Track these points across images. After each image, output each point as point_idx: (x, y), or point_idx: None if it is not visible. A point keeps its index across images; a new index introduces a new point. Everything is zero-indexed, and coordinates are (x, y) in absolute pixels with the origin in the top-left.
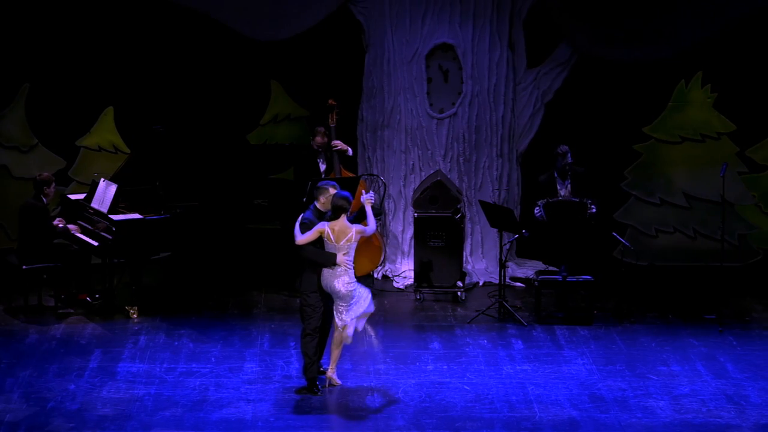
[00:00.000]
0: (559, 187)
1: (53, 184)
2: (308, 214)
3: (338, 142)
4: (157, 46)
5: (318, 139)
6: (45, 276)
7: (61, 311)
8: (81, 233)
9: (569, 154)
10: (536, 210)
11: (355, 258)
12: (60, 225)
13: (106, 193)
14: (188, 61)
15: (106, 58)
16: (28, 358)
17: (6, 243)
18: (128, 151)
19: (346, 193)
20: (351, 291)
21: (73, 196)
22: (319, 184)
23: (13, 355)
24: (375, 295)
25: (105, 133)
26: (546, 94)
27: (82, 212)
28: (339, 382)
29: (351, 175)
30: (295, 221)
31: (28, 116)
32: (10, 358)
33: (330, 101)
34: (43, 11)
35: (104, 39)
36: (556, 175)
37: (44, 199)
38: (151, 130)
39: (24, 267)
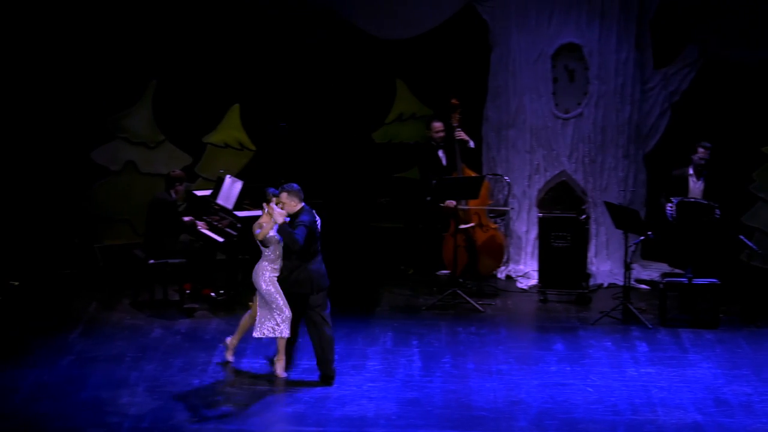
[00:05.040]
0: (692, 185)
1: (184, 183)
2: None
3: (460, 132)
4: (283, 44)
5: (434, 124)
6: (170, 271)
7: (185, 306)
8: (206, 229)
9: (708, 153)
10: (668, 207)
11: (479, 257)
12: (188, 221)
13: (231, 189)
14: (314, 59)
15: (233, 56)
16: (153, 352)
17: (133, 238)
18: (254, 148)
19: (271, 189)
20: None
21: (199, 193)
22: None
23: (138, 348)
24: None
25: (231, 130)
26: (673, 95)
27: (207, 208)
28: (282, 373)
29: (474, 174)
30: (419, 220)
31: (155, 113)
32: (135, 352)
33: (453, 100)
34: (172, 9)
35: (232, 37)
36: (690, 171)
37: (173, 195)
38: (276, 127)
39: (150, 261)
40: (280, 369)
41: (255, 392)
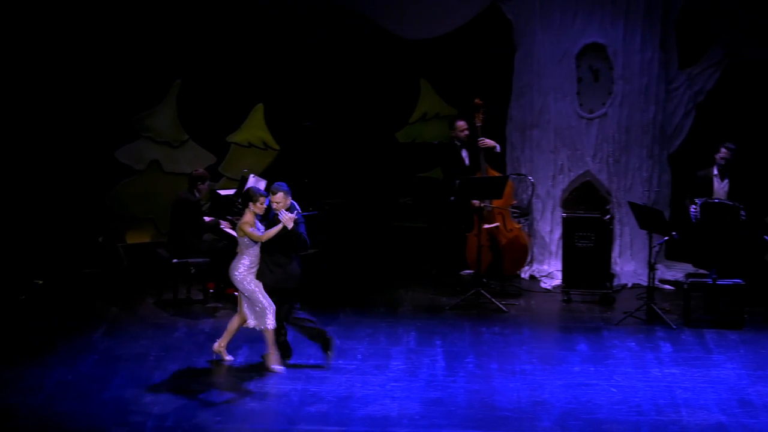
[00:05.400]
0: (716, 186)
1: (207, 181)
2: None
3: (486, 140)
4: (306, 43)
5: (458, 123)
6: (193, 270)
7: (209, 305)
8: (230, 228)
9: (731, 153)
10: (692, 208)
11: (503, 257)
12: (211, 221)
13: None
14: (338, 59)
15: (258, 55)
16: (177, 352)
17: (157, 237)
18: (277, 147)
19: (258, 189)
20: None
21: (222, 192)
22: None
23: (161, 348)
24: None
25: (255, 129)
26: (698, 95)
27: (231, 208)
28: (227, 358)
29: (497, 174)
30: (442, 220)
31: (179, 112)
32: (158, 351)
33: (476, 100)
34: (196, 8)
35: (256, 35)
36: (715, 172)
37: (197, 194)
38: (300, 126)
39: (174, 261)
40: (274, 363)
41: (279, 391)
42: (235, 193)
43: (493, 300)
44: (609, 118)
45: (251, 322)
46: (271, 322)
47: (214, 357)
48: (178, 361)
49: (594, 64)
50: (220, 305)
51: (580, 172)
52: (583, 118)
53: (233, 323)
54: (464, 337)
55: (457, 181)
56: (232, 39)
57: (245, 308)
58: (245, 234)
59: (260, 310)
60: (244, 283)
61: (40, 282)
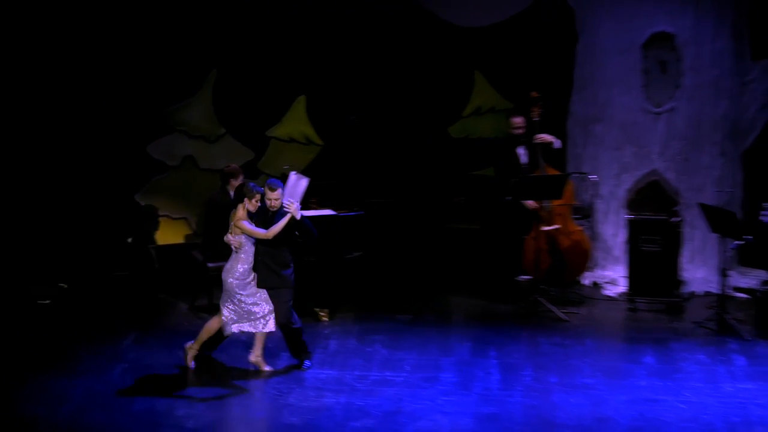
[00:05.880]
0: None
1: (241, 176)
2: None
3: (543, 135)
4: (352, 31)
5: (514, 120)
6: None
7: None
8: None
9: None
10: (763, 213)
11: (563, 262)
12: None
13: (296, 187)
14: (386, 48)
15: (300, 43)
16: (212, 361)
17: (191, 238)
18: (321, 142)
19: (251, 184)
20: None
21: (286, 200)
22: (249, 185)
23: (195, 356)
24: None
25: (297, 123)
26: None
27: None
28: (189, 363)
29: (557, 172)
30: (497, 221)
31: (215, 104)
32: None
33: (533, 93)
34: None
35: (298, 22)
36: None
37: (231, 193)
38: (345, 120)
39: (209, 264)
40: (256, 358)
41: (322, 405)
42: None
43: (553, 308)
44: (677, 112)
45: (237, 328)
46: (272, 326)
47: (252, 368)
48: (213, 372)
49: (661, 55)
50: None
51: (647, 170)
52: (649, 113)
53: (263, 338)
54: (521, 348)
55: (514, 180)
56: (271, 25)
57: (227, 310)
58: (244, 231)
59: (260, 315)
60: (241, 290)
61: (65, 286)
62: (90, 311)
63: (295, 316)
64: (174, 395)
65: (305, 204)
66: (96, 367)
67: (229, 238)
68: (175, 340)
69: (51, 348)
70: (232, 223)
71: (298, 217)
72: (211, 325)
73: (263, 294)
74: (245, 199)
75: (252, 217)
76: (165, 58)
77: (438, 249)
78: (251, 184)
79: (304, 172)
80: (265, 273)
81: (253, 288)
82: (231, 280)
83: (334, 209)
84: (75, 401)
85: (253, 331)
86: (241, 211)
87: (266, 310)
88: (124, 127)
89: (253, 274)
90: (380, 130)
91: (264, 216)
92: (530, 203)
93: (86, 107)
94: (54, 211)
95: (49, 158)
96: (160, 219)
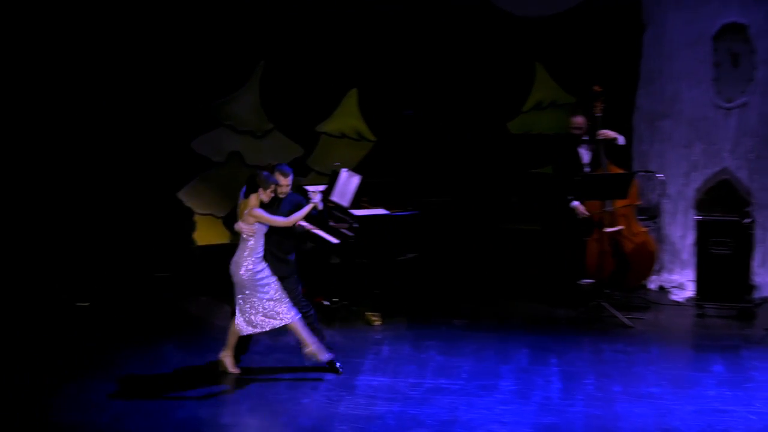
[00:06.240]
0: None
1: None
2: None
3: (606, 131)
4: (407, 20)
5: (575, 119)
6: None
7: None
8: (319, 229)
9: None
10: None
11: (627, 265)
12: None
13: (347, 185)
14: (442, 39)
15: (351, 33)
16: (258, 367)
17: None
18: (373, 138)
19: (265, 173)
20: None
21: (310, 188)
22: (264, 175)
23: (240, 362)
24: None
25: (348, 117)
26: None
27: None
28: (231, 369)
29: (620, 170)
30: (558, 222)
31: (262, 98)
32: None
33: (595, 87)
34: None
35: (348, 10)
36: None
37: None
38: (399, 115)
39: None
40: (309, 349)
41: (373, 414)
42: (325, 189)
43: (617, 313)
44: (750, 108)
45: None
46: (294, 314)
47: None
48: (259, 378)
49: (733, 47)
50: None
51: (717, 169)
52: (720, 108)
53: (299, 328)
54: (583, 356)
55: (577, 179)
56: (322, 14)
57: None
58: (260, 219)
59: (279, 308)
60: (254, 285)
61: (87, 304)
62: (131, 314)
63: (306, 301)
64: (218, 402)
65: (356, 203)
66: (137, 372)
67: (241, 226)
68: (219, 344)
69: (90, 352)
70: (245, 212)
71: (321, 207)
72: (234, 326)
73: (275, 284)
74: (259, 189)
75: (263, 206)
76: (211, 50)
77: (496, 250)
78: (265, 173)
79: (355, 169)
80: (275, 263)
81: (265, 279)
82: (242, 273)
83: (386, 208)
84: (115, 408)
85: (272, 327)
86: (254, 200)
87: (284, 301)
88: (168, 122)
89: (263, 265)
90: (436, 125)
91: (272, 203)
92: (582, 210)
93: (129, 102)
94: (95, 211)
95: (89, 156)
96: (203, 217)
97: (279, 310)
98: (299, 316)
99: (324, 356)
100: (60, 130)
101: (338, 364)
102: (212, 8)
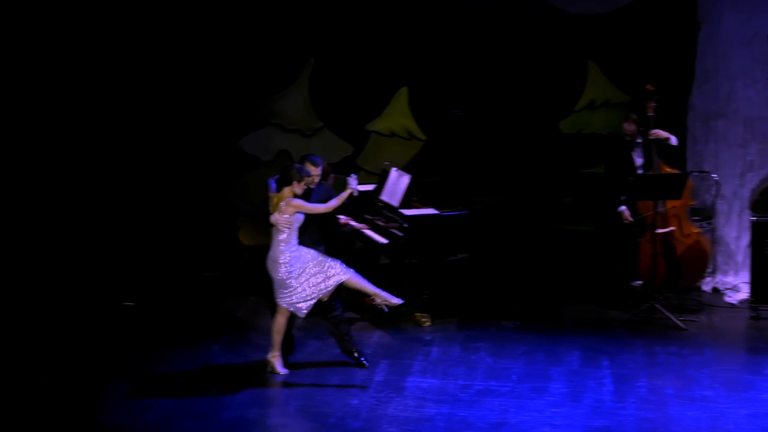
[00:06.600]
0: None
1: (331, 175)
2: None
3: (657, 130)
4: (458, 19)
5: (626, 126)
6: None
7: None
8: (368, 229)
9: None
10: None
11: (681, 267)
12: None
13: (397, 184)
14: (493, 37)
15: (402, 30)
16: (307, 368)
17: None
18: (424, 137)
19: (298, 166)
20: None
21: (360, 187)
22: (296, 168)
23: (289, 362)
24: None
25: (398, 116)
26: None
27: (370, 205)
28: (279, 370)
29: (673, 171)
30: (609, 223)
31: (312, 95)
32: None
33: (648, 86)
34: None
35: (399, 7)
36: None
37: None
38: (450, 114)
39: None
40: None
41: (422, 416)
42: (375, 189)
43: (670, 315)
44: None
45: (306, 306)
46: (346, 269)
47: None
48: (308, 379)
49: None
50: (357, 316)
51: None
52: None
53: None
54: (635, 358)
55: (631, 179)
56: (372, 10)
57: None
58: (300, 209)
59: (329, 272)
60: (292, 277)
61: (132, 304)
62: (178, 314)
63: (336, 300)
64: (266, 403)
65: (406, 202)
66: (184, 372)
67: (277, 217)
68: (267, 345)
69: (136, 352)
70: (282, 204)
71: (356, 194)
72: (278, 324)
73: (313, 259)
74: (293, 182)
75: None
76: (260, 47)
77: (547, 251)
78: (298, 166)
79: (405, 168)
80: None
81: (299, 268)
82: (281, 275)
83: (437, 208)
84: (161, 409)
85: (329, 289)
86: (288, 192)
87: (326, 264)
88: (217, 120)
89: (298, 254)
90: (487, 124)
91: (303, 194)
92: (627, 215)
93: (181, 101)
94: (144, 210)
95: (140, 155)
96: (255, 216)
97: (330, 274)
98: (352, 270)
99: (395, 300)
100: (113, 130)
101: (363, 359)
102: (262, 5)
